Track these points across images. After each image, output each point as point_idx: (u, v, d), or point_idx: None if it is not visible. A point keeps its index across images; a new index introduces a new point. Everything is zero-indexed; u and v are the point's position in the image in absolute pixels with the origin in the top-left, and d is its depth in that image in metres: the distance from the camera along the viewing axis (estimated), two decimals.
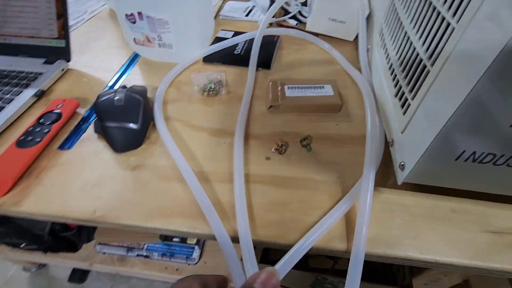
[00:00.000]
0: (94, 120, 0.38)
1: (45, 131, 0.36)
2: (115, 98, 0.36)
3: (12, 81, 0.43)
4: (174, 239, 0.76)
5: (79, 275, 0.92)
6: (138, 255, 0.75)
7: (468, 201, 0.30)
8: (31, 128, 0.36)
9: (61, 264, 0.86)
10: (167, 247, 0.76)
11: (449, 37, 0.23)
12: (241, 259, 0.26)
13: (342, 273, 0.57)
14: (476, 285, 0.55)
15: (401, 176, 0.29)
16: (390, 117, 0.33)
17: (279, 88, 0.41)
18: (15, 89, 0.42)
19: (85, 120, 0.40)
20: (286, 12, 0.61)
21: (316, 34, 0.55)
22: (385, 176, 0.32)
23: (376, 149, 0.33)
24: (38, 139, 0.35)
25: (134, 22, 0.44)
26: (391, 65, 0.35)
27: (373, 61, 0.44)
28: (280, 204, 0.30)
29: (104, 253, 0.76)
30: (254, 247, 0.27)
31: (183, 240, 0.76)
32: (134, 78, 0.47)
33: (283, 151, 0.35)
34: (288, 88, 0.41)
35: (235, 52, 0.51)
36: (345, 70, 0.47)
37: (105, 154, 0.35)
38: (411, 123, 0.28)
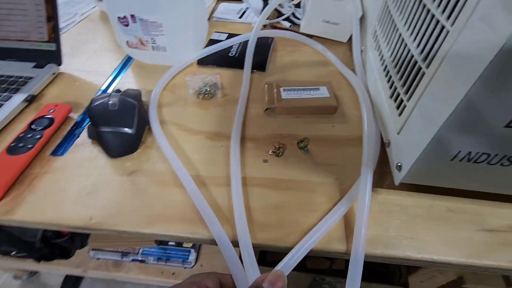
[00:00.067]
0: (87, 125, 0.37)
1: (37, 137, 0.35)
2: (109, 103, 0.36)
3: (0, 86, 0.42)
4: (170, 243, 0.75)
5: (72, 281, 0.91)
6: (133, 260, 0.74)
7: (464, 200, 0.30)
8: (22, 134, 0.35)
9: (54, 271, 0.84)
10: (162, 251, 0.75)
11: (444, 39, 0.23)
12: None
13: (339, 273, 0.57)
14: (470, 281, 0.56)
15: (398, 177, 0.29)
16: (385, 118, 0.34)
17: (275, 90, 0.41)
18: (4, 94, 0.41)
19: (78, 125, 0.39)
20: (280, 14, 0.62)
21: (310, 36, 0.55)
22: (382, 176, 0.33)
23: (373, 151, 0.33)
24: (29, 146, 0.34)
25: (127, 25, 0.44)
26: (386, 66, 0.35)
27: (367, 63, 0.44)
28: (278, 207, 0.30)
29: (98, 259, 0.75)
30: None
31: (179, 243, 0.75)
32: (128, 81, 0.47)
33: (280, 153, 0.35)
34: (284, 90, 0.41)
35: (230, 54, 0.51)
36: (339, 72, 0.47)
37: (100, 160, 0.34)
38: (407, 124, 0.28)
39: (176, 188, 0.31)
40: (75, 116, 0.40)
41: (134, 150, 0.35)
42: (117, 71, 0.48)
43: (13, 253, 0.69)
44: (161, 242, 0.74)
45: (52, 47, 0.47)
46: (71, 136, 0.37)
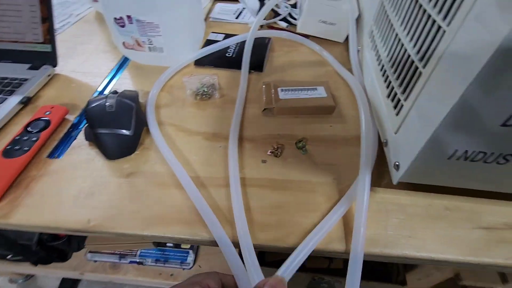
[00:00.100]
0: (84, 127, 0.37)
1: (33, 139, 0.35)
2: (106, 104, 0.35)
3: None
4: (168, 244, 0.75)
5: (69, 284, 0.90)
6: (131, 262, 0.73)
7: (461, 198, 0.30)
8: (18, 137, 0.35)
9: (50, 274, 0.83)
10: (160, 253, 0.74)
11: (440, 39, 0.23)
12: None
13: (337, 272, 0.57)
14: (467, 277, 0.56)
15: (396, 176, 0.29)
16: (383, 118, 0.34)
17: (273, 90, 0.41)
18: None
19: (74, 127, 0.39)
20: (276, 14, 0.62)
21: (307, 36, 0.55)
22: (380, 175, 0.33)
23: (371, 150, 0.33)
24: (26, 148, 0.34)
25: (123, 26, 0.44)
26: (383, 66, 0.35)
27: (364, 62, 0.44)
28: (277, 207, 0.30)
29: (96, 261, 0.74)
30: None
31: (177, 245, 0.75)
32: (124, 82, 0.46)
33: (279, 153, 0.35)
34: (282, 90, 0.41)
35: (227, 54, 0.51)
36: (336, 72, 0.48)
37: (98, 162, 0.34)
38: (405, 123, 0.29)
39: (175, 190, 0.31)
40: (72, 118, 0.40)
41: (132, 152, 0.35)
42: (114, 72, 0.48)
43: (9, 256, 0.68)
44: (159, 244, 0.74)
45: (47, 48, 0.46)
46: (68, 138, 0.37)
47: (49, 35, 0.46)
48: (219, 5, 0.67)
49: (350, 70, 0.46)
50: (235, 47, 0.52)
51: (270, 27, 0.60)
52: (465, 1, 0.21)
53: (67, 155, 0.35)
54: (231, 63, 0.49)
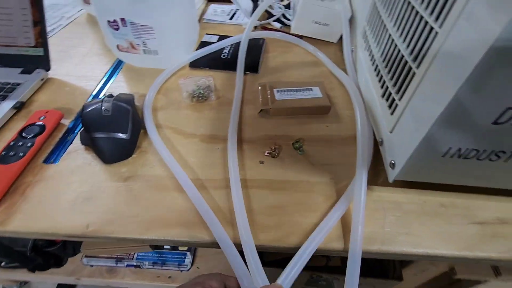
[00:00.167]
0: (80, 131, 0.36)
1: (28, 144, 0.34)
2: (102, 108, 0.35)
3: None
4: (165, 247, 0.75)
5: None
6: (128, 265, 0.73)
7: (455, 195, 0.31)
8: (12, 143, 0.34)
9: (46, 280, 0.82)
10: (158, 255, 0.74)
11: (433, 40, 0.24)
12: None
13: (336, 270, 0.58)
14: (461, 271, 0.57)
15: (392, 174, 0.30)
16: (378, 117, 0.34)
17: (269, 91, 0.41)
18: None
19: (70, 131, 0.38)
20: (270, 15, 0.62)
21: (301, 37, 0.55)
22: (376, 174, 0.33)
23: (367, 149, 0.33)
24: (21, 154, 0.33)
25: (117, 29, 0.43)
26: (376, 66, 0.36)
27: (358, 62, 0.45)
28: (277, 208, 0.30)
29: (92, 266, 0.73)
30: None
31: (174, 247, 0.75)
32: (119, 85, 0.46)
33: (276, 154, 0.35)
34: (277, 91, 0.41)
35: (222, 56, 0.51)
36: (331, 72, 0.48)
37: (94, 166, 0.34)
38: (399, 123, 0.29)
39: (173, 192, 0.31)
40: (67, 122, 0.39)
41: (129, 156, 0.35)
42: (108, 75, 0.48)
43: (3, 263, 0.67)
44: (156, 246, 0.74)
45: (39, 52, 0.46)
46: (63, 143, 0.37)
47: (41, 39, 0.45)
48: (212, 6, 0.67)
49: (344, 70, 0.47)
50: (229, 49, 0.52)
51: (264, 28, 0.60)
52: (457, 2, 0.21)
53: (63, 160, 0.35)
54: (226, 65, 0.49)
